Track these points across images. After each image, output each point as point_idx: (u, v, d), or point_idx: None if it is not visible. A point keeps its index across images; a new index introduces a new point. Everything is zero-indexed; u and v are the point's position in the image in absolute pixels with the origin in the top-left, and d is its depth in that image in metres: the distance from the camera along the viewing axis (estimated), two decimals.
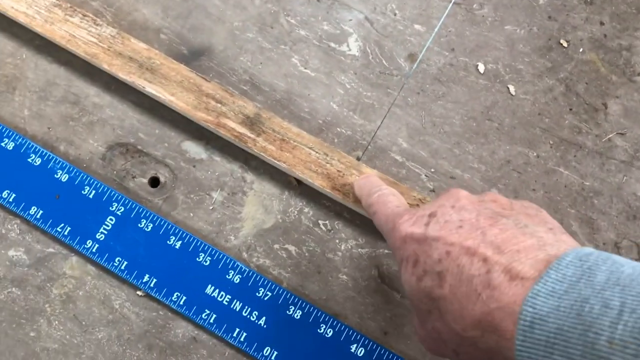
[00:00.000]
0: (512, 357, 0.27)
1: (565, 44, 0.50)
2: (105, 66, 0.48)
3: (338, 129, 0.49)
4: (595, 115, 0.49)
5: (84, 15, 0.49)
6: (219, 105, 0.48)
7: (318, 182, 0.46)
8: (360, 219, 0.48)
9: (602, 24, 0.51)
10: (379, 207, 0.39)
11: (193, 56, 0.51)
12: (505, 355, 0.28)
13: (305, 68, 0.50)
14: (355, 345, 0.45)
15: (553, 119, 0.49)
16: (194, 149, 0.49)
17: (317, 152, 0.47)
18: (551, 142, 0.49)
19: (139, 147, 0.49)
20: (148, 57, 0.49)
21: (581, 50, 0.50)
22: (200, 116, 0.47)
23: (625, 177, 0.48)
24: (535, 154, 0.49)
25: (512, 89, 0.50)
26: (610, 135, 0.49)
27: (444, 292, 0.31)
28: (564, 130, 0.49)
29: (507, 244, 0.29)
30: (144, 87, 0.48)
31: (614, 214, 0.47)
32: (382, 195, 0.40)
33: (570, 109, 0.49)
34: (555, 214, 0.47)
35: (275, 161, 0.46)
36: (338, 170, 0.46)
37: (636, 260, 0.46)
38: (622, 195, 0.48)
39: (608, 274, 0.26)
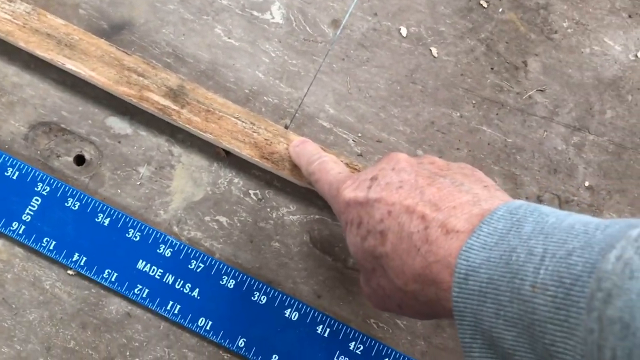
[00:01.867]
0: (449, 307, 0.28)
1: (485, 5, 0.51)
2: (21, 44, 0.47)
3: (265, 98, 0.49)
4: (516, 74, 0.50)
5: None
6: (141, 78, 0.47)
7: (246, 152, 0.46)
8: (290, 187, 0.48)
9: None
10: (321, 175, 0.40)
11: (114, 31, 0.50)
12: (443, 306, 0.29)
13: (229, 38, 0.50)
14: (289, 310, 0.46)
15: (475, 79, 0.50)
16: (118, 124, 0.49)
17: (243, 122, 0.47)
18: (474, 102, 0.50)
19: (63, 125, 0.48)
20: (66, 32, 0.48)
21: (500, 10, 0.51)
22: (123, 90, 0.47)
23: (545, 133, 0.49)
24: (458, 114, 0.50)
25: (434, 51, 0.50)
26: (531, 93, 0.50)
27: (386, 250, 0.32)
28: (486, 90, 0.50)
29: (444, 201, 0.30)
30: (63, 64, 0.47)
31: (536, 168, 0.49)
32: (323, 163, 0.41)
33: (492, 69, 0.50)
34: None
35: (201, 133, 0.46)
36: (265, 139, 0.47)
37: None
38: (543, 150, 0.49)
39: (534, 224, 0.27)
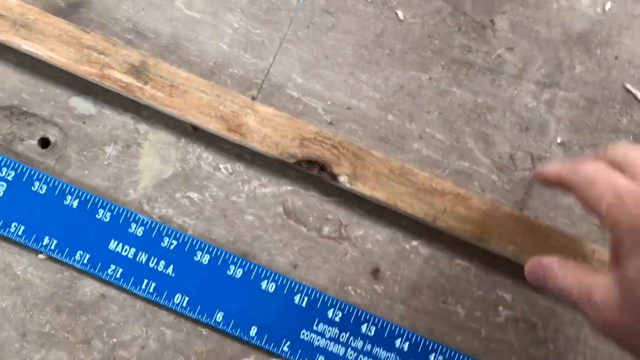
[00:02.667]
0: None
1: None
2: None
3: (230, 70, 0.48)
4: (484, 33, 0.50)
5: None
6: (102, 56, 0.46)
7: (213, 126, 0.45)
8: (261, 160, 0.47)
9: None
10: (602, 177, 0.34)
11: (71, 9, 0.49)
12: None
13: (190, 10, 0.49)
14: (265, 282, 0.46)
15: (443, 40, 0.49)
16: (82, 104, 0.47)
17: (208, 95, 0.46)
18: (442, 64, 0.49)
19: (24, 108, 0.47)
20: (21, 13, 0.46)
21: None
22: (84, 70, 0.46)
23: (515, 91, 0.49)
24: (427, 77, 0.49)
25: (400, 14, 0.49)
26: (499, 51, 0.49)
27: None
28: (454, 51, 0.49)
29: None
30: (20, 45, 0.46)
31: (507, 127, 0.48)
32: (603, 167, 0.35)
33: (459, 29, 0.50)
34: (451, 133, 0.48)
35: (167, 108, 0.45)
36: (232, 111, 0.46)
37: (530, 169, 0.48)
38: (514, 108, 0.49)
39: None
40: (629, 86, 0.49)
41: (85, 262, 0.45)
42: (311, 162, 0.45)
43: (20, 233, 0.45)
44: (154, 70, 0.46)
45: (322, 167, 0.45)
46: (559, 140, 0.48)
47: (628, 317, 0.31)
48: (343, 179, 0.45)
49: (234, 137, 0.45)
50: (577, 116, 0.49)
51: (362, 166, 0.45)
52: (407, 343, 0.45)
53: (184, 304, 0.45)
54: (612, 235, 0.33)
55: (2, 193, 0.45)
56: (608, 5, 0.50)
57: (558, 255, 0.39)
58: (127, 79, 0.46)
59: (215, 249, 0.46)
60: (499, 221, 0.45)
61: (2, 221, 0.45)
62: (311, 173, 0.45)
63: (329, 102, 0.48)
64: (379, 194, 0.45)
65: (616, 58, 0.49)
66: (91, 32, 0.46)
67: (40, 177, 0.46)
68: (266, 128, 0.45)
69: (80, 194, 0.46)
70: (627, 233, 0.31)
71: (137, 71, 0.46)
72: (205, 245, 0.46)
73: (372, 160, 0.45)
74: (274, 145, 0.45)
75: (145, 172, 0.47)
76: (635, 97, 0.49)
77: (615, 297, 0.32)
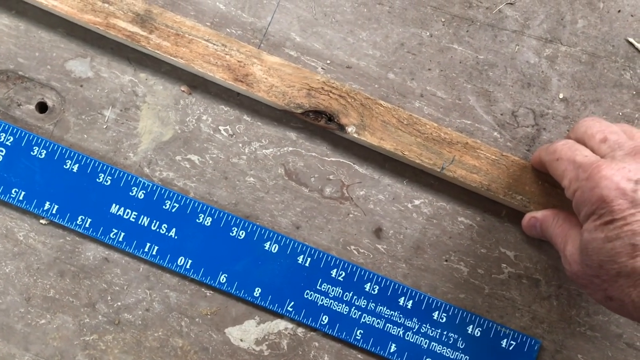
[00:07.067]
0: None
1: None
2: None
3: (228, 30, 0.48)
4: None
5: None
6: (106, 5, 0.45)
7: (219, 75, 0.45)
8: (261, 121, 0.47)
9: None
10: (564, 154, 0.38)
11: None
12: None
13: None
14: (268, 243, 0.46)
15: None
16: (79, 67, 0.47)
17: (214, 44, 0.45)
18: (443, 20, 0.48)
19: (20, 72, 0.47)
20: None
21: None
22: (88, 19, 0.45)
23: (517, 47, 0.48)
24: (428, 34, 0.48)
25: None
26: (500, 7, 0.49)
27: (634, 264, 0.32)
28: (455, 6, 0.49)
29: None
30: None
31: (509, 84, 0.48)
32: (569, 143, 0.39)
33: None
34: (453, 91, 0.48)
35: (172, 57, 0.45)
36: (238, 61, 0.45)
37: (532, 125, 0.48)
38: (515, 64, 0.48)
39: None
40: (631, 40, 0.48)
41: (87, 226, 0.45)
42: (318, 113, 0.45)
43: (21, 198, 0.45)
44: (159, 19, 0.45)
45: (330, 117, 0.45)
46: (561, 96, 0.48)
47: (586, 270, 0.36)
48: (351, 129, 0.44)
49: (240, 88, 0.45)
50: (579, 71, 0.48)
51: (370, 116, 0.45)
52: (410, 301, 0.46)
53: (188, 266, 0.45)
54: (573, 205, 0.37)
55: (1, 158, 0.45)
56: None
57: (563, 204, 0.44)
58: (133, 28, 0.45)
59: (218, 211, 0.46)
60: (507, 171, 0.45)
61: (2, 187, 0.45)
62: (318, 124, 0.45)
63: (328, 61, 0.48)
64: (387, 144, 0.45)
65: (619, 11, 0.49)
66: None
67: (39, 141, 0.46)
68: (273, 78, 0.45)
69: (80, 158, 0.46)
70: (581, 203, 0.35)
71: (142, 20, 0.45)
72: (207, 208, 0.46)
73: (380, 110, 0.45)
74: (281, 95, 0.45)
75: (145, 135, 0.47)
76: (638, 50, 0.48)
77: (578, 253, 0.36)
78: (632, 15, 0.49)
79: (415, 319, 0.45)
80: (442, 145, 0.45)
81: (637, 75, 0.48)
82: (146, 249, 0.45)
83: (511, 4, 0.49)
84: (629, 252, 0.32)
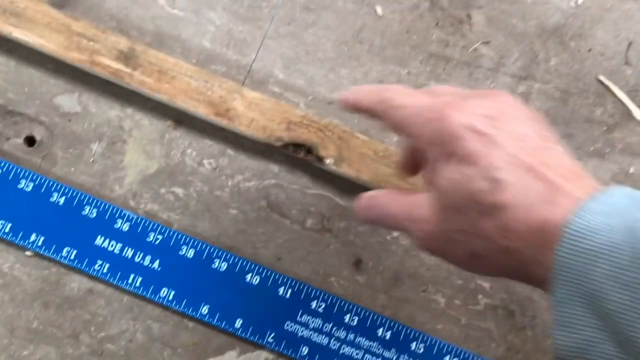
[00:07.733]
0: (542, 262, 0.28)
1: None
2: None
3: (213, 67, 0.49)
4: (461, 27, 0.51)
5: None
6: (92, 43, 0.47)
7: (201, 110, 0.46)
8: (244, 154, 0.48)
9: None
10: (404, 100, 0.35)
11: (56, 6, 0.49)
12: (533, 262, 0.29)
13: (173, 8, 0.50)
14: (250, 275, 0.47)
15: (421, 35, 0.50)
16: (67, 102, 0.48)
17: (196, 80, 0.47)
18: (421, 58, 0.50)
19: (9, 107, 0.48)
20: (11, 1, 0.47)
21: None
22: (74, 56, 0.46)
23: (492, 84, 0.50)
24: (406, 71, 0.50)
25: (379, 10, 0.50)
26: (476, 45, 0.51)
27: (501, 200, 0.30)
28: (432, 45, 0.50)
29: (560, 168, 0.30)
30: (10, 33, 0.46)
31: None
32: (402, 89, 0.36)
33: (437, 24, 0.51)
34: None
35: (155, 94, 0.46)
36: (220, 96, 0.47)
37: None
38: None
39: None
40: (602, 78, 0.50)
41: (72, 258, 0.46)
42: (297, 145, 0.46)
43: (7, 230, 0.46)
44: (143, 56, 0.47)
45: (309, 150, 0.46)
46: None
47: (444, 226, 0.32)
48: (329, 161, 0.46)
49: (221, 122, 0.46)
50: (552, 108, 0.50)
51: (347, 148, 0.46)
52: (389, 332, 0.46)
53: (170, 298, 0.46)
54: (421, 153, 0.34)
55: None
56: None
57: None
58: (117, 65, 0.46)
59: (200, 243, 0.47)
60: None
61: None
62: (297, 156, 0.46)
63: (310, 97, 0.49)
64: (365, 176, 0.46)
65: (589, 50, 0.51)
66: (80, 19, 0.47)
67: (26, 174, 0.47)
68: (253, 112, 0.46)
69: (66, 191, 0.47)
70: (430, 146, 0.32)
71: (126, 57, 0.46)
72: (190, 240, 0.47)
73: (357, 143, 0.46)
74: (261, 128, 0.46)
75: (131, 168, 0.48)
76: (608, 88, 0.50)
77: (432, 210, 0.33)
78: (601, 55, 0.51)
79: (393, 349, 0.46)
80: (418, 177, 0.46)
81: (608, 112, 0.50)
82: (130, 280, 0.46)
83: (486, 43, 0.51)
84: (489, 187, 0.30)
